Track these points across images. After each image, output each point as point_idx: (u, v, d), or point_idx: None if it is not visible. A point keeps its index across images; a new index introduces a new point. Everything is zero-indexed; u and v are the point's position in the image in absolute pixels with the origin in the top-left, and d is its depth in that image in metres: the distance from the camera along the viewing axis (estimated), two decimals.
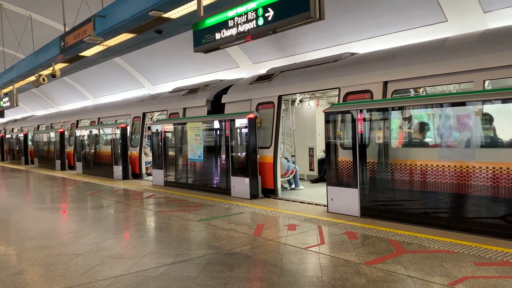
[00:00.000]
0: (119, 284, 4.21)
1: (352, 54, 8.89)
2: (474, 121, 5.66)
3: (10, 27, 17.26)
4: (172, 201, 9.09)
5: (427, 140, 6.66)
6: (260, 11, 5.64)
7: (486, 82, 6.09)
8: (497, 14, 7.59)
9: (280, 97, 9.35)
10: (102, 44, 10.65)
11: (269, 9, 5.50)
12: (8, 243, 6.09)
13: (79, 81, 21.61)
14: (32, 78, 15.35)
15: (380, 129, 6.67)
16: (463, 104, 5.79)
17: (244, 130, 9.21)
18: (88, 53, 11.97)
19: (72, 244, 5.80)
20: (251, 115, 9.11)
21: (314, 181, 11.31)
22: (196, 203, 8.73)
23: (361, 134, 6.76)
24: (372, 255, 4.81)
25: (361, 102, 7.13)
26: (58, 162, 18.57)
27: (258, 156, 9.23)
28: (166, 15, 8.25)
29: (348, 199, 6.98)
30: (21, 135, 23.51)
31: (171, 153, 11.83)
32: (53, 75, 13.06)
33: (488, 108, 5.56)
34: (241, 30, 5.99)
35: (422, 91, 7.54)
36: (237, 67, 13.51)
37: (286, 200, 8.86)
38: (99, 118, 17.26)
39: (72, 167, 18.39)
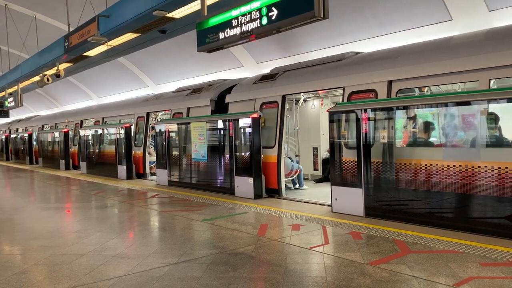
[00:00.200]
0: (123, 284, 4.21)
1: (357, 53, 8.86)
2: (479, 121, 5.62)
3: (14, 28, 17.34)
4: (176, 201, 9.09)
5: (432, 139, 6.62)
6: (264, 10, 5.63)
7: (492, 81, 6.05)
8: (503, 13, 7.54)
9: (284, 97, 9.32)
10: (106, 44, 10.67)
11: (273, 8, 5.49)
12: (12, 242, 6.12)
13: (83, 81, 21.68)
14: (37, 78, 15.43)
15: (385, 129, 6.64)
16: (468, 103, 5.75)
17: (248, 130, 9.19)
18: (92, 53, 12.00)
19: (76, 243, 5.81)
20: (255, 115, 9.10)
21: (318, 181, 11.28)
22: (200, 202, 8.73)
23: (366, 134, 6.74)
24: (376, 255, 4.79)
25: (365, 102, 7.10)
26: (62, 162, 18.63)
27: (262, 156, 9.22)
28: (169, 14, 8.25)
29: (353, 199, 6.95)
30: (25, 135, 23.61)
31: (175, 152, 11.83)
32: (57, 75, 13.12)
33: (493, 108, 5.52)
34: (245, 30, 5.98)
35: (427, 91, 7.51)
36: (241, 66, 13.50)
37: (290, 200, 8.85)
38: (103, 118, 17.30)
39: (76, 167, 18.44)
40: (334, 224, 6.39)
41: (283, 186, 9.25)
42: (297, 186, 10.36)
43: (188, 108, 12.11)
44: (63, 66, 13.66)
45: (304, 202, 8.50)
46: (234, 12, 6.13)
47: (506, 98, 5.27)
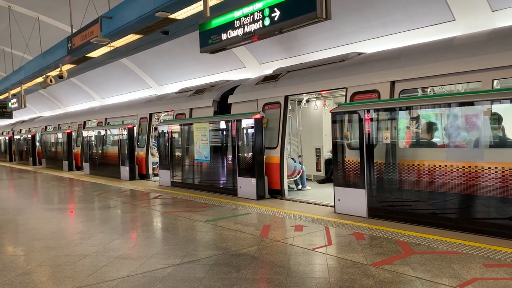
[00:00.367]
0: (126, 284, 4.21)
1: (359, 53, 8.85)
2: (482, 121, 5.60)
3: (18, 29, 17.40)
4: (179, 202, 9.10)
5: (435, 140, 6.61)
6: (267, 11, 5.64)
7: (495, 82, 6.03)
8: (506, 13, 7.52)
9: (286, 97, 9.32)
10: (109, 45, 10.71)
11: (276, 9, 5.49)
12: (16, 243, 6.13)
13: (86, 82, 21.74)
14: (40, 79, 15.48)
15: (388, 129, 6.63)
16: (471, 104, 5.73)
17: (251, 131, 9.20)
18: (95, 54, 12.04)
19: (79, 244, 5.83)
20: (258, 116, 9.10)
21: (321, 181, 11.27)
22: (202, 203, 8.74)
23: (369, 134, 6.72)
24: (379, 256, 4.78)
25: (368, 102, 7.09)
26: (65, 162, 18.68)
27: (264, 157, 9.22)
28: (172, 16, 8.27)
29: (356, 199, 6.94)
30: (29, 136, 23.69)
31: (177, 153, 11.85)
32: (60, 76, 13.17)
33: (497, 108, 5.50)
34: (247, 31, 5.99)
35: (430, 91, 7.49)
36: (244, 67, 13.51)
37: (293, 200, 8.84)
38: (106, 119, 17.34)
39: (79, 168, 18.49)
40: (337, 225, 6.38)
41: (285, 186, 9.24)
42: (299, 186, 10.36)
43: (191, 109, 12.12)
44: (66, 67, 13.71)
45: (307, 203, 8.49)
46: (237, 13, 6.14)
47: (509, 99, 5.25)
